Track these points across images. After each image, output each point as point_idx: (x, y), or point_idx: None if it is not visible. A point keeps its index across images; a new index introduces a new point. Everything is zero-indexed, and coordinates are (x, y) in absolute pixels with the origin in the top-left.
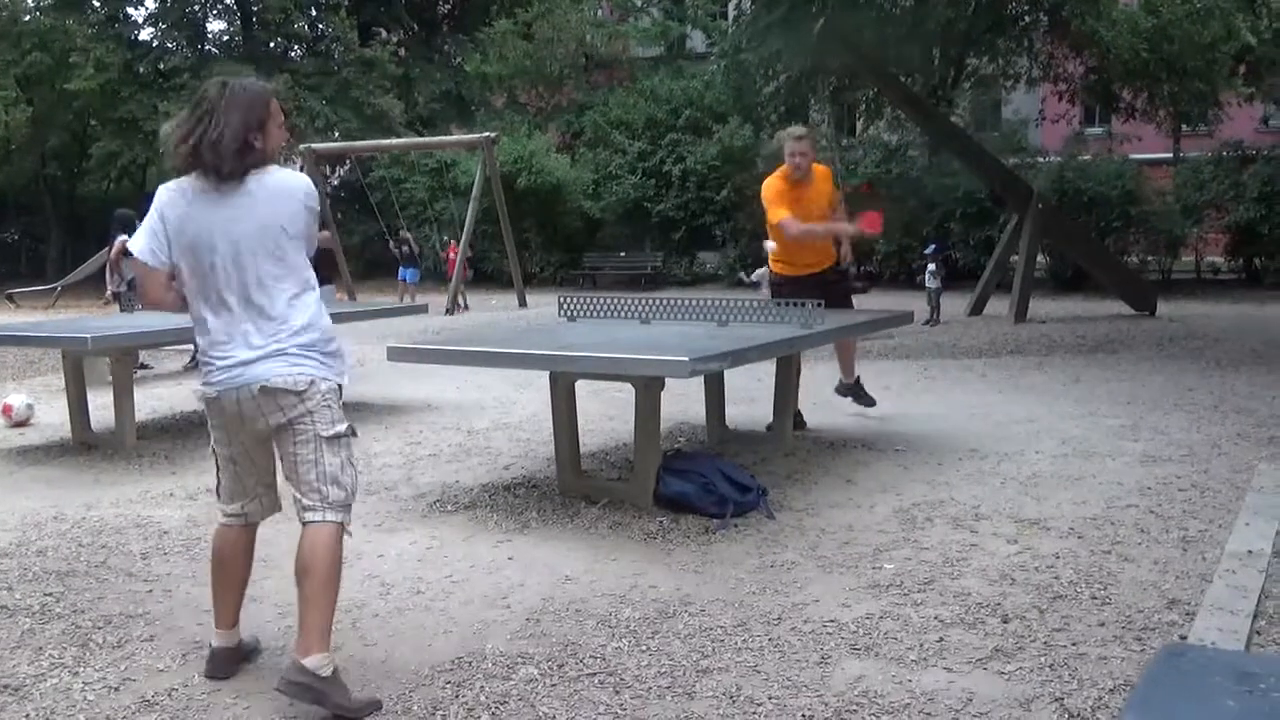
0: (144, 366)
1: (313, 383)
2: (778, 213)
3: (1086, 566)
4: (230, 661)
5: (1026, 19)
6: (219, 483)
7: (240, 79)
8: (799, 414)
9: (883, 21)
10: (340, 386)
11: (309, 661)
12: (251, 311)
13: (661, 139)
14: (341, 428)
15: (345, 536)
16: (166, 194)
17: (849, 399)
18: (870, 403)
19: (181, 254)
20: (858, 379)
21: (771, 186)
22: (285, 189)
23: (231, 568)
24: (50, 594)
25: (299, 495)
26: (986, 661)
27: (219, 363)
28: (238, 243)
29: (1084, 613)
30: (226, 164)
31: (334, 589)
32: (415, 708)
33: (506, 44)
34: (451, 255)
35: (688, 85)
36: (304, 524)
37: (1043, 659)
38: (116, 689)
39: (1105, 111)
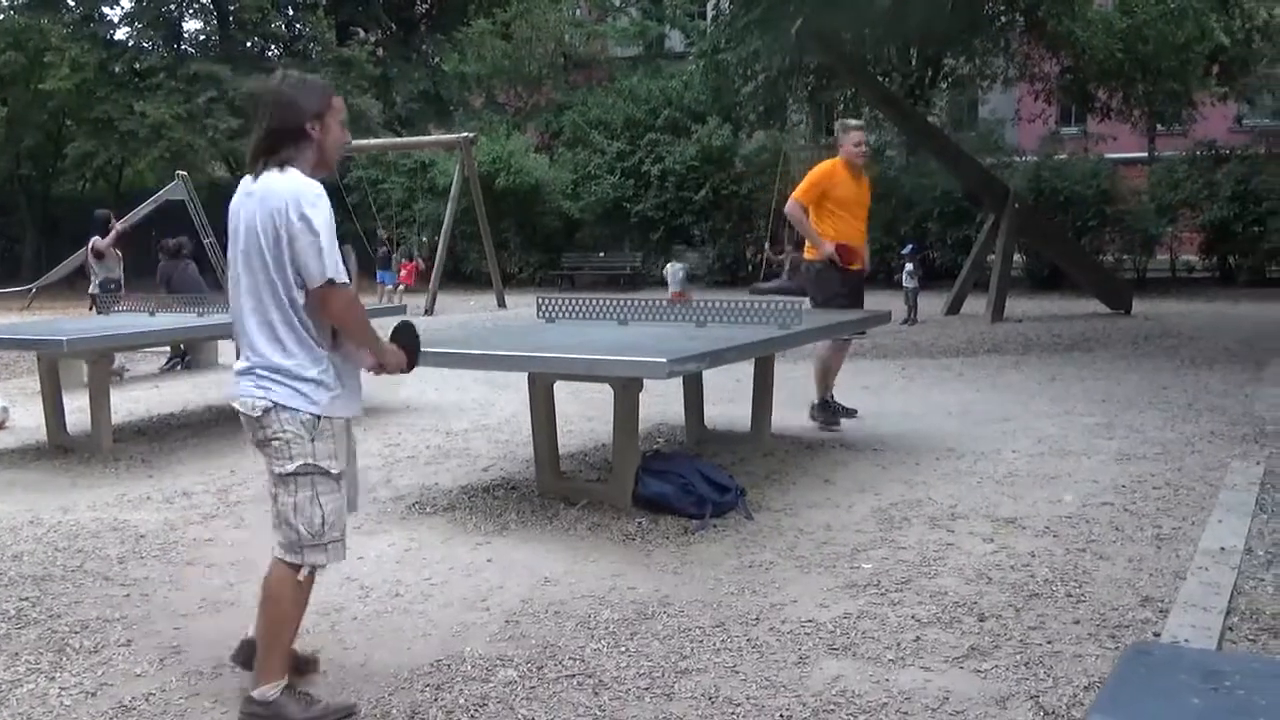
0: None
1: (269, 410)
2: (805, 192)
3: (1062, 565)
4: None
5: (1003, 19)
6: None
7: (296, 73)
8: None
9: (860, 22)
10: (318, 419)
11: (255, 692)
12: (246, 319)
13: (640, 139)
14: (293, 465)
15: (299, 577)
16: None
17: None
18: (844, 417)
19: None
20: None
21: (826, 171)
22: (274, 192)
23: None
24: (26, 599)
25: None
26: (963, 660)
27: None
28: (245, 242)
29: (1059, 611)
30: (249, 156)
31: (279, 626)
32: (394, 711)
33: (485, 44)
34: (404, 271)
35: (666, 85)
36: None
37: (1018, 657)
38: (93, 694)
39: (1081, 111)
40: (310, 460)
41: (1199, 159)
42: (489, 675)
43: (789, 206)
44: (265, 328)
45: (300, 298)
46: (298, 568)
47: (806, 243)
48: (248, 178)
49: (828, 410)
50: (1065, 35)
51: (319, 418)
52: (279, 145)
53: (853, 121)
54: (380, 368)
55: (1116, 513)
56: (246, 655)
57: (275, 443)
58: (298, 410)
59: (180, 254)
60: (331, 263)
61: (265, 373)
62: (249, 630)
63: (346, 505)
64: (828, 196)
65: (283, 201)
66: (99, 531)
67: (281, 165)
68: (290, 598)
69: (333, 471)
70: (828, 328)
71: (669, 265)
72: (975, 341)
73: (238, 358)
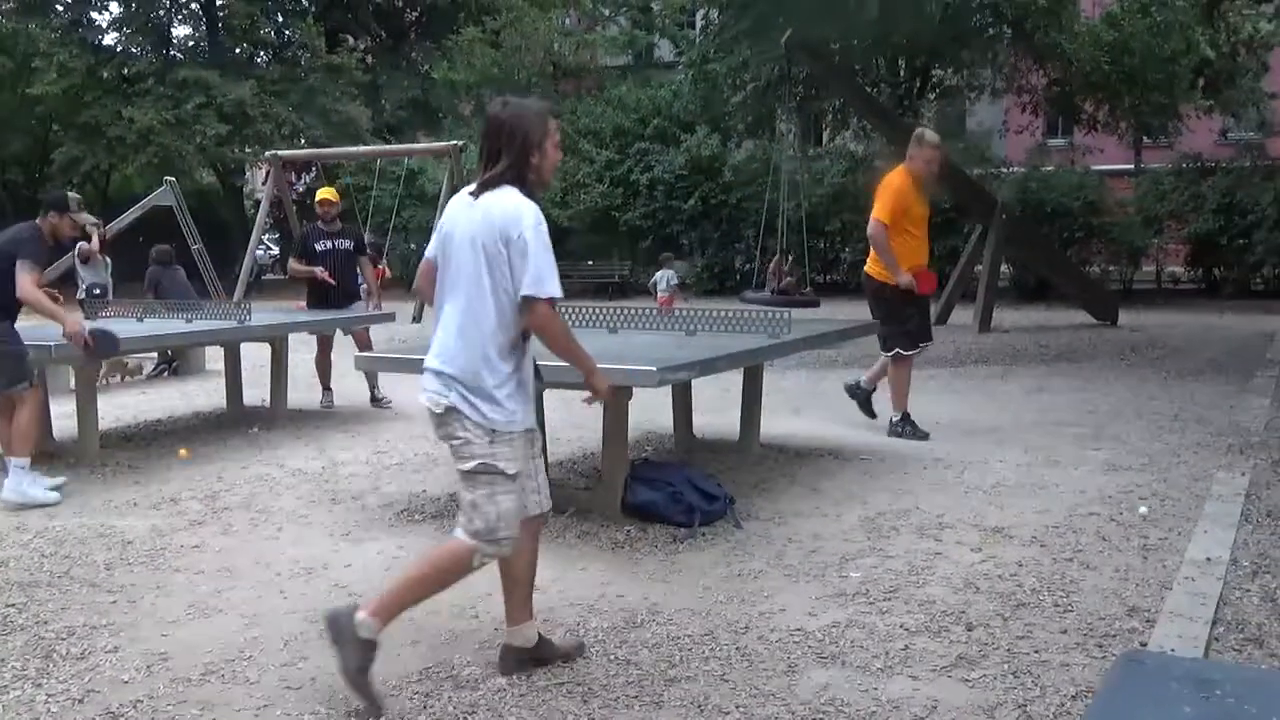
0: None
1: (450, 410)
2: (889, 212)
3: (1049, 574)
4: (524, 659)
5: (990, 31)
6: None
7: (518, 100)
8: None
9: (849, 32)
10: (494, 431)
11: (357, 615)
12: (449, 324)
13: (629, 148)
14: (471, 464)
15: (474, 563)
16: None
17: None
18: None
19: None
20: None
21: (895, 184)
22: (501, 210)
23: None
24: (13, 605)
25: None
26: (951, 669)
27: None
28: (464, 253)
29: (1046, 620)
30: (480, 176)
31: (421, 587)
32: (383, 719)
33: (474, 52)
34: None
35: (655, 94)
36: None
37: (1006, 666)
38: (80, 701)
39: (1068, 123)
40: (488, 461)
41: (1185, 171)
42: (478, 683)
43: (873, 229)
44: (467, 335)
45: (510, 312)
46: (472, 552)
47: (873, 260)
48: (468, 192)
49: (908, 423)
50: (1052, 47)
51: (494, 431)
52: (508, 169)
53: (932, 135)
54: (590, 382)
55: (1103, 523)
56: (512, 661)
57: (455, 442)
58: (475, 419)
59: (170, 260)
60: (551, 279)
61: (455, 376)
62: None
63: (536, 505)
64: (905, 214)
65: (508, 220)
66: (86, 538)
67: (506, 185)
68: (449, 571)
69: (509, 473)
70: (819, 337)
71: (660, 272)
72: (963, 352)
73: (430, 355)
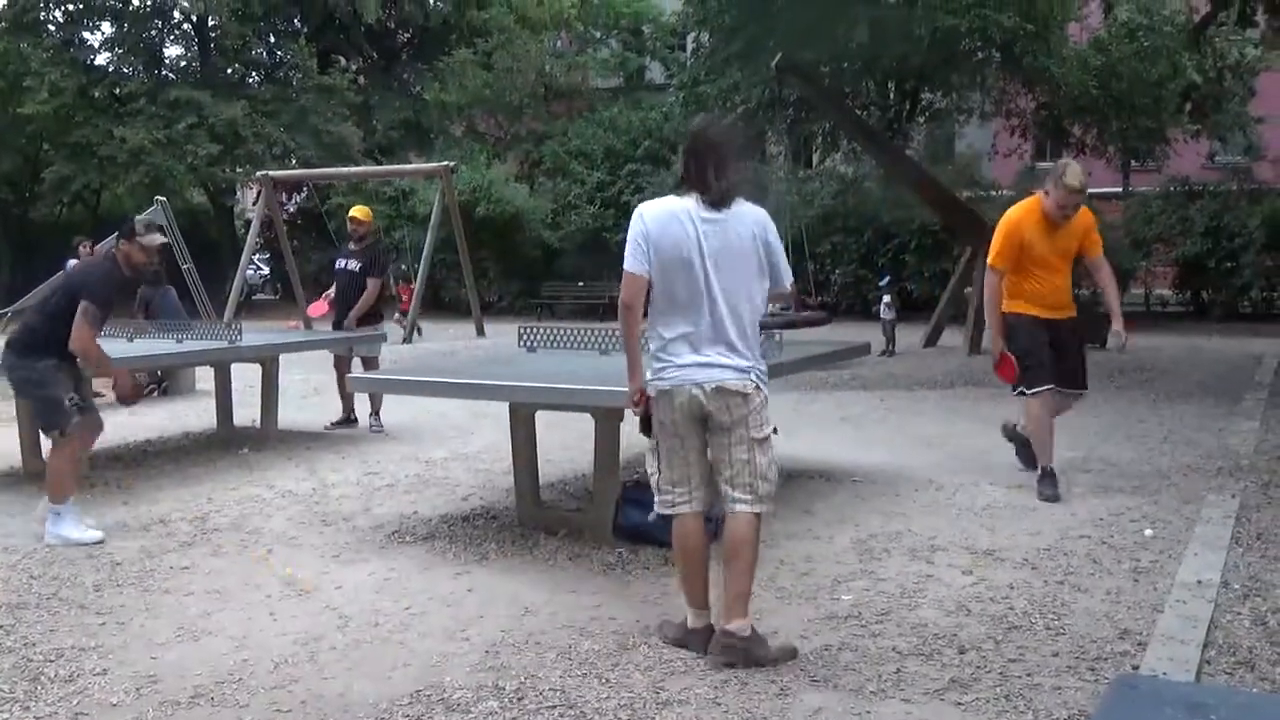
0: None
1: (758, 388)
2: (992, 252)
3: (1040, 597)
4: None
5: (979, 55)
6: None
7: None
8: None
9: (839, 56)
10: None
11: (732, 626)
12: (727, 320)
13: (620, 169)
14: (766, 430)
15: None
16: None
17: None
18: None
19: None
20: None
21: (1011, 220)
22: (753, 217)
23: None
24: (0, 627)
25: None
26: (944, 692)
27: None
28: (727, 257)
29: (1038, 643)
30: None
31: (754, 566)
32: None
33: (466, 73)
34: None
35: (646, 116)
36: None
37: (998, 689)
38: None
39: (1056, 146)
40: (771, 428)
41: (1172, 195)
42: (469, 706)
43: (986, 278)
44: (742, 327)
45: (762, 301)
46: (760, 515)
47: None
48: (703, 207)
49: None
50: (1041, 71)
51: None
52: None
53: (1074, 175)
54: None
55: (1094, 545)
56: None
57: (754, 414)
58: (765, 390)
59: (160, 280)
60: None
61: (749, 361)
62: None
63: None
64: (1025, 254)
65: (761, 225)
66: (75, 559)
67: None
68: (758, 540)
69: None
70: (809, 359)
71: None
72: (953, 373)
73: (697, 351)
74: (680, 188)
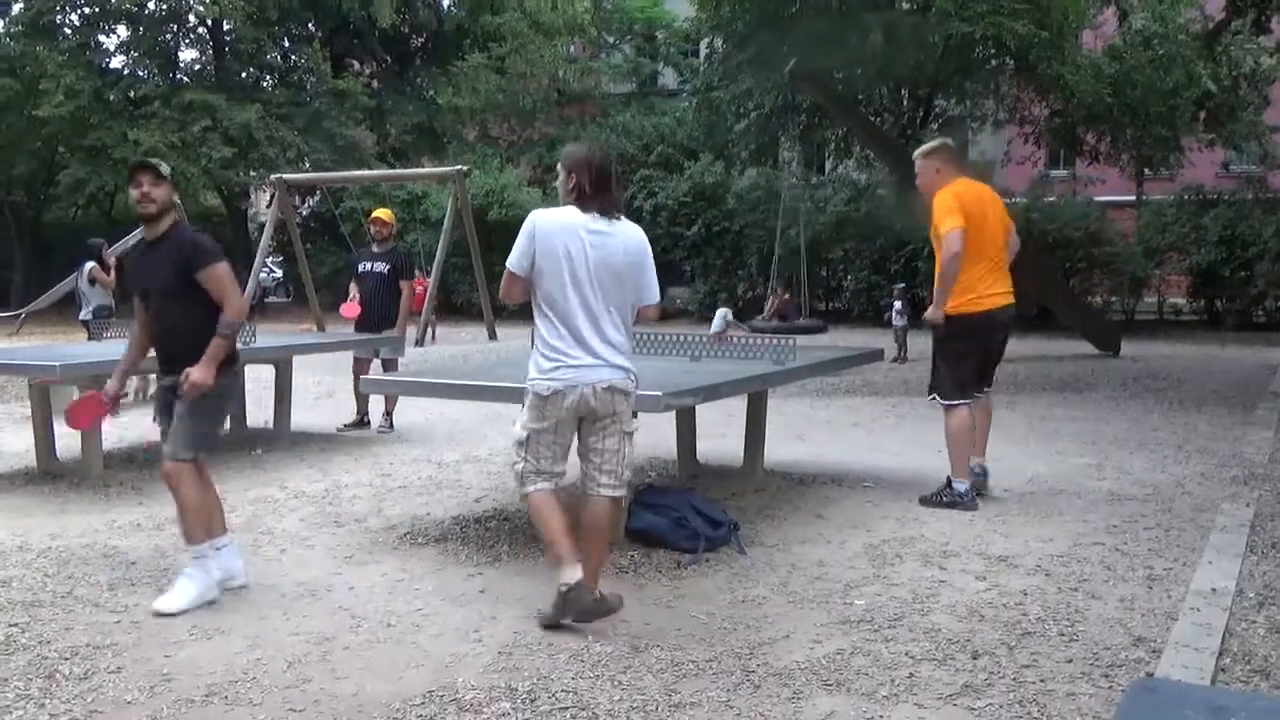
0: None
1: (635, 387)
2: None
3: (1054, 604)
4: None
5: (993, 62)
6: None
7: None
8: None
9: (852, 63)
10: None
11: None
12: (605, 324)
13: (633, 174)
14: (635, 424)
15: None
16: None
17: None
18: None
19: None
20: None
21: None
22: (635, 234)
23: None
24: (16, 625)
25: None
26: (956, 698)
27: None
28: (606, 269)
29: (1052, 649)
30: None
31: (607, 543)
32: None
33: (479, 78)
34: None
35: (659, 121)
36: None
37: (1012, 695)
38: None
39: (1070, 154)
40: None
41: (1186, 203)
42: (481, 707)
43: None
44: (622, 331)
45: (633, 312)
46: (619, 499)
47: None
48: (591, 219)
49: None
50: (1055, 79)
51: None
52: (616, 198)
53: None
54: None
55: (1108, 552)
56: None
57: (626, 410)
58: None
59: None
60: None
61: (628, 362)
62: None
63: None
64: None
65: (638, 243)
66: (89, 558)
67: (616, 213)
68: (616, 519)
69: None
70: (822, 365)
71: (719, 310)
72: None
73: (588, 353)
74: (565, 201)
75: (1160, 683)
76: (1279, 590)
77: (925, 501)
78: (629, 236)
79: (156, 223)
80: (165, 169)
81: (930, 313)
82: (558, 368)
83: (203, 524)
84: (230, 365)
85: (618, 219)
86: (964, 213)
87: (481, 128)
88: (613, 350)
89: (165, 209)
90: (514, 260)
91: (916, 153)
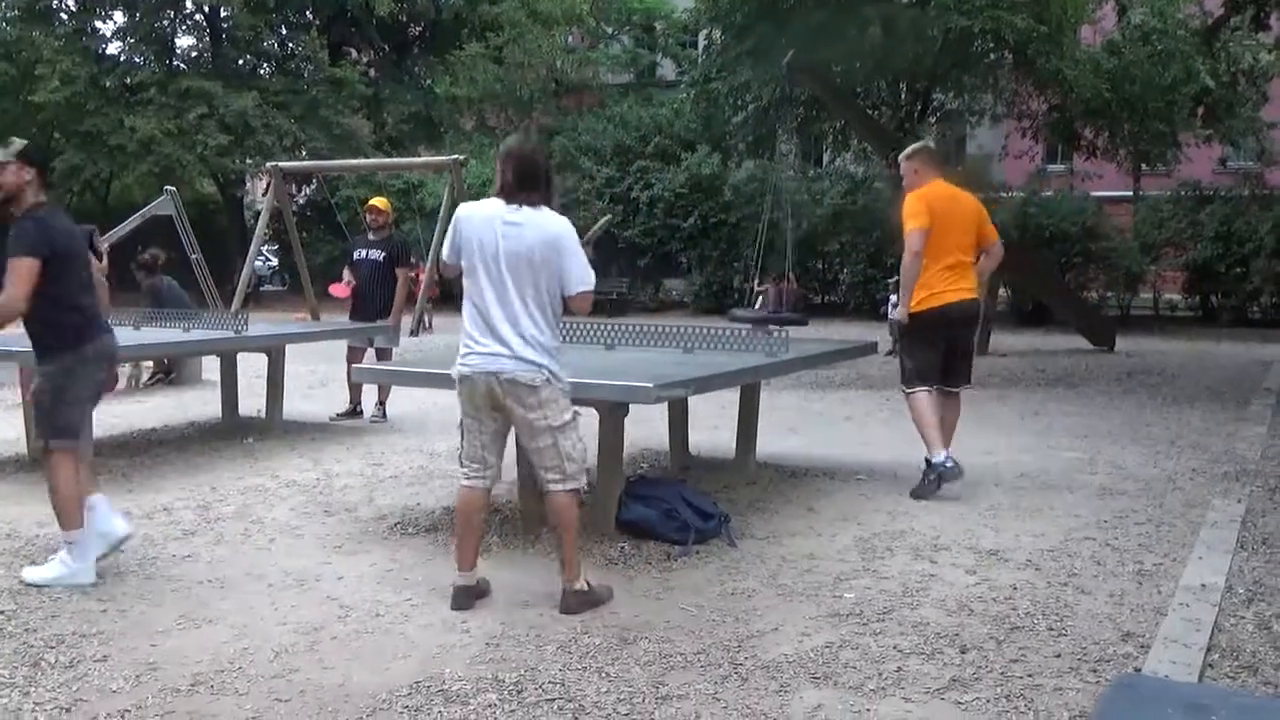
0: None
1: (548, 380)
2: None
3: (1043, 598)
4: (471, 597)
5: (991, 57)
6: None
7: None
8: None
9: (850, 56)
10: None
11: (574, 587)
12: (520, 314)
13: (630, 165)
14: (567, 416)
15: (580, 497)
16: None
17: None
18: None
19: None
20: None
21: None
22: (548, 223)
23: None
24: (2, 612)
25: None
26: (944, 691)
27: None
28: (517, 258)
29: (1040, 644)
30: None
31: (574, 534)
32: None
33: (477, 67)
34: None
35: (657, 112)
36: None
37: (999, 689)
38: (68, 709)
39: (1067, 149)
40: (573, 411)
41: (1183, 199)
42: (468, 698)
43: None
44: (535, 323)
45: (553, 302)
46: (578, 490)
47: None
48: (510, 211)
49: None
50: (1053, 74)
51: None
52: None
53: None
54: None
55: (1098, 547)
56: (466, 599)
57: (549, 404)
58: (559, 383)
59: (157, 267)
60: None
61: (540, 356)
62: (458, 579)
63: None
64: None
65: (556, 233)
66: None
67: (537, 204)
68: (577, 513)
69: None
70: (815, 357)
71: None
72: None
73: (493, 342)
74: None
75: (1141, 679)
76: (1268, 586)
77: (917, 494)
78: (544, 226)
79: (6, 206)
80: (4, 153)
81: (898, 313)
82: (468, 354)
83: (76, 511)
84: (68, 353)
85: (537, 209)
86: (930, 214)
87: (479, 117)
88: (522, 342)
89: (12, 194)
90: (444, 250)
91: (901, 155)
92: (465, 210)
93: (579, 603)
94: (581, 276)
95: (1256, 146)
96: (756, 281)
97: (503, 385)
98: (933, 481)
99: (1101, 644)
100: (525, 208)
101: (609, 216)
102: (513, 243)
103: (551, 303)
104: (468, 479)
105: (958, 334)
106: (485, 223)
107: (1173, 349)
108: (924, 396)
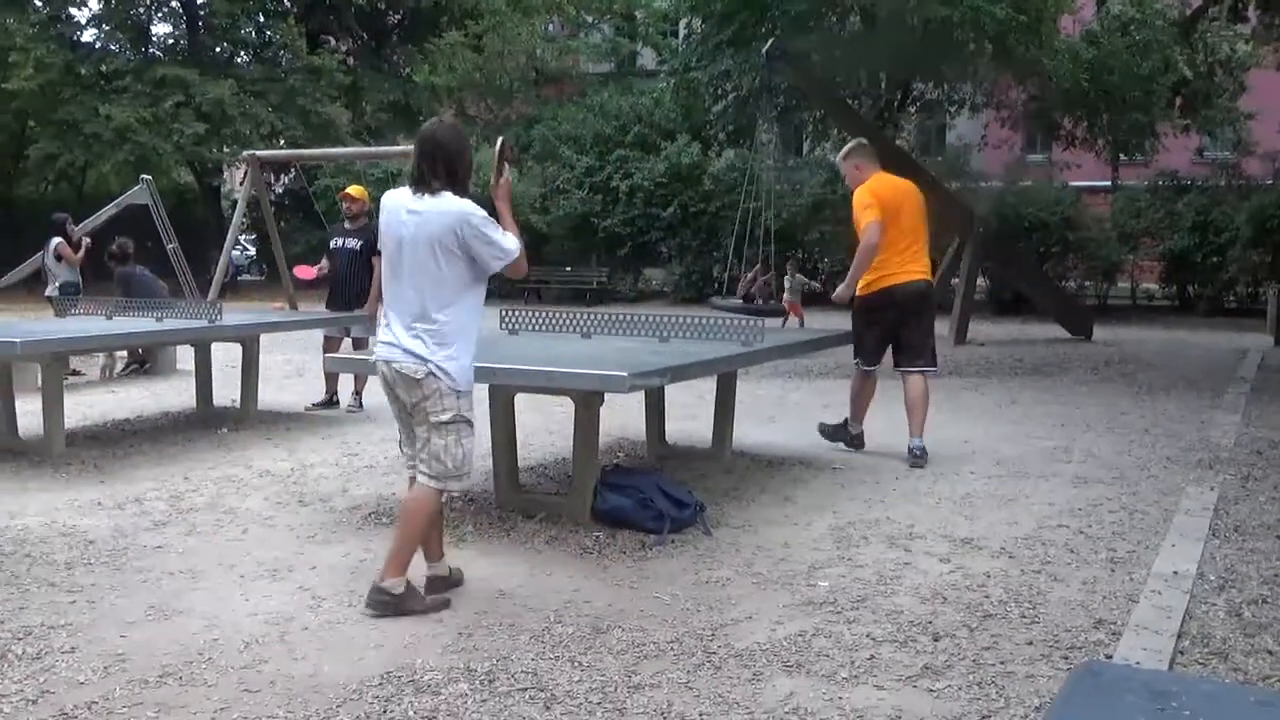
0: (75, 373)
1: (429, 375)
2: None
3: (1017, 586)
4: (444, 586)
5: (971, 46)
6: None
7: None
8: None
9: (830, 45)
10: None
11: (385, 584)
12: (411, 305)
13: (610, 154)
14: (447, 415)
15: (442, 499)
16: None
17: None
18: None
19: None
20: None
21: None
22: (448, 209)
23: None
24: None
25: None
26: (916, 679)
27: None
28: (415, 247)
29: (1013, 631)
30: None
31: (414, 533)
32: None
33: (456, 56)
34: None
35: (637, 102)
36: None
37: (971, 677)
38: (35, 701)
39: (1046, 139)
40: (458, 413)
41: (1161, 189)
42: (439, 688)
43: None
44: (429, 315)
45: (454, 293)
46: (439, 492)
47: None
48: (415, 199)
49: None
50: (1032, 64)
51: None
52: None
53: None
54: None
55: (1072, 535)
56: (439, 589)
57: (432, 400)
58: (446, 381)
59: (128, 257)
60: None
61: (429, 350)
62: (427, 569)
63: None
64: None
65: (459, 219)
66: (47, 537)
67: (438, 192)
68: (429, 513)
69: (473, 420)
70: (792, 346)
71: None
72: (938, 363)
73: (390, 331)
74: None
75: (1105, 666)
76: (1240, 573)
77: (823, 430)
78: (443, 212)
79: None
80: None
81: (839, 290)
82: (378, 343)
83: None
84: None
85: (438, 195)
86: (880, 206)
87: (458, 106)
88: (410, 335)
89: None
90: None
91: (838, 156)
92: (384, 199)
93: (383, 603)
94: (497, 253)
95: (1233, 137)
96: (743, 271)
97: (394, 375)
98: (835, 435)
99: (1073, 631)
100: (427, 195)
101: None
102: (413, 232)
103: (460, 292)
104: (406, 468)
105: (907, 315)
106: (392, 212)
107: (1149, 338)
108: (863, 375)
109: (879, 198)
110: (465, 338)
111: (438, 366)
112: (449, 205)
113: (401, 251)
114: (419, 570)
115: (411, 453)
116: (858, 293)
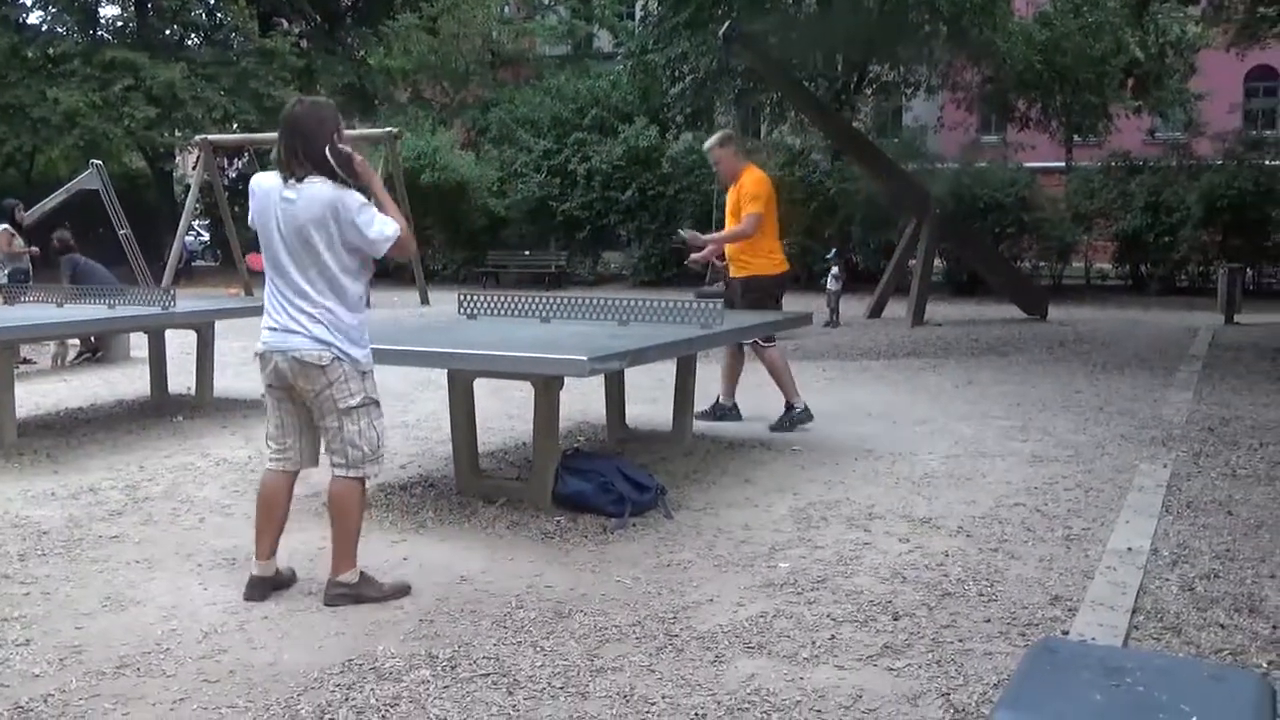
0: (26, 361)
1: (335, 360)
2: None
3: (974, 564)
4: (267, 588)
5: (926, 28)
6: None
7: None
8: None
9: (787, 26)
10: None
11: (341, 577)
12: (302, 289)
13: (567, 138)
14: (356, 400)
15: (364, 487)
16: None
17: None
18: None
19: None
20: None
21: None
22: (320, 195)
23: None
24: None
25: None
26: (876, 658)
27: None
28: (297, 232)
29: (971, 609)
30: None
31: (351, 525)
32: (303, 712)
33: (411, 38)
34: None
35: (594, 84)
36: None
37: (930, 655)
38: None
39: (1001, 120)
40: (366, 394)
41: (1114, 170)
42: (401, 674)
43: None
44: (322, 300)
45: (342, 274)
46: (360, 480)
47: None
48: (286, 185)
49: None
50: (987, 45)
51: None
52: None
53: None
54: None
55: (1028, 513)
56: (252, 590)
57: (338, 385)
58: (350, 363)
59: (69, 247)
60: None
61: (329, 334)
62: (254, 569)
63: None
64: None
65: (332, 205)
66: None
67: (303, 178)
68: (358, 501)
69: (379, 401)
70: (751, 328)
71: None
72: (895, 344)
73: (279, 319)
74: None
75: (1060, 643)
76: (1192, 549)
77: (776, 428)
78: (314, 199)
79: None
80: None
81: (705, 252)
82: (264, 330)
83: None
84: None
85: (307, 181)
86: (768, 199)
87: (414, 89)
88: (309, 319)
89: None
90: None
91: (709, 144)
92: (254, 181)
93: (340, 595)
94: (376, 237)
95: (1184, 117)
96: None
97: (291, 364)
98: (790, 422)
99: (1030, 608)
100: (295, 181)
101: None
102: (289, 219)
103: (345, 276)
104: (269, 461)
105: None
106: (266, 197)
107: (1103, 317)
108: (777, 351)
109: (768, 192)
110: (360, 320)
111: (341, 350)
112: (320, 193)
113: (283, 240)
114: (378, 557)
115: (280, 445)
116: (769, 273)
